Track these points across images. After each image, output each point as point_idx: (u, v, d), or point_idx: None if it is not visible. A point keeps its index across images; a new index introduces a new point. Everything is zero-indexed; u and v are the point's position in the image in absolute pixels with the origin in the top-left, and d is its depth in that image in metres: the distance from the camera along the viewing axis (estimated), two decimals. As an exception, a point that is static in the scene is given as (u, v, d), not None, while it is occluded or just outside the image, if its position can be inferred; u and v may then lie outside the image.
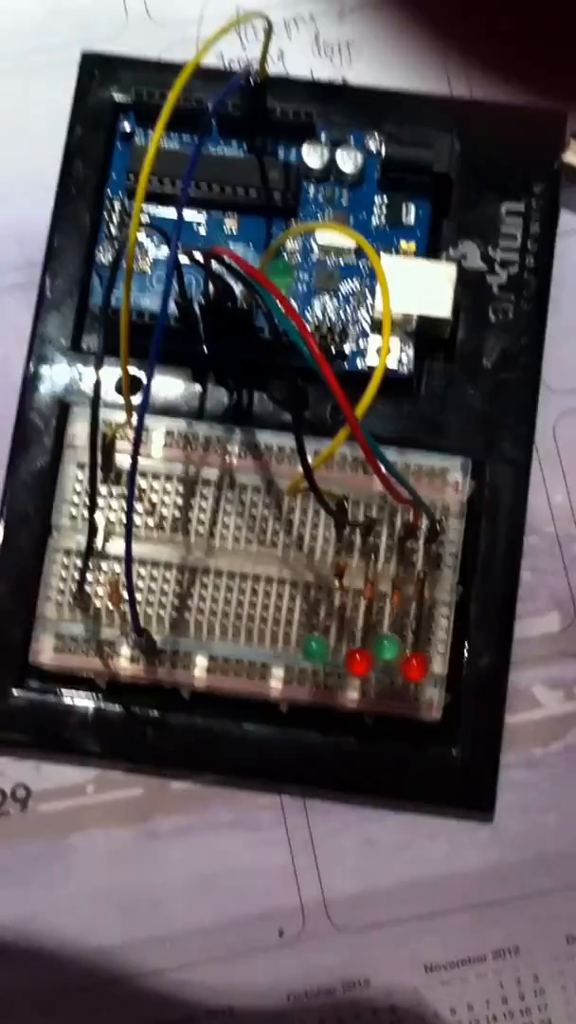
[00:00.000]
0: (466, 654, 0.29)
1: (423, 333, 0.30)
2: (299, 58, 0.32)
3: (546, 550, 0.30)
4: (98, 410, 0.27)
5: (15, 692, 0.29)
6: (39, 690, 0.29)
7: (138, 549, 0.28)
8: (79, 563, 0.28)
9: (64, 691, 0.29)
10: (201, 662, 0.28)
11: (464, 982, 0.28)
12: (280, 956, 0.28)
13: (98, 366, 0.27)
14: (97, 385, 0.26)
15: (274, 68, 0.32)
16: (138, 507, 0.29)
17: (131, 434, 0.27)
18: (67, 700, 0.29)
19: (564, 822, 0.28)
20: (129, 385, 0.28)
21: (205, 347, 0.30)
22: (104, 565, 0.29)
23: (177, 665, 0.28)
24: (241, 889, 0.28)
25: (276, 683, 0.28)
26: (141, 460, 0.28)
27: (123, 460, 0.29)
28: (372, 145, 0.31)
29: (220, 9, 0.32)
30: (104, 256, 0.30)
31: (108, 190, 0.31)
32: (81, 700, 0.29)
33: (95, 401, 0.26)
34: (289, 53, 0.32)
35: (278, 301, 0.25)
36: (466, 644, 0.29)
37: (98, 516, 0.29)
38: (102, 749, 0.29)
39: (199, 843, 0.28)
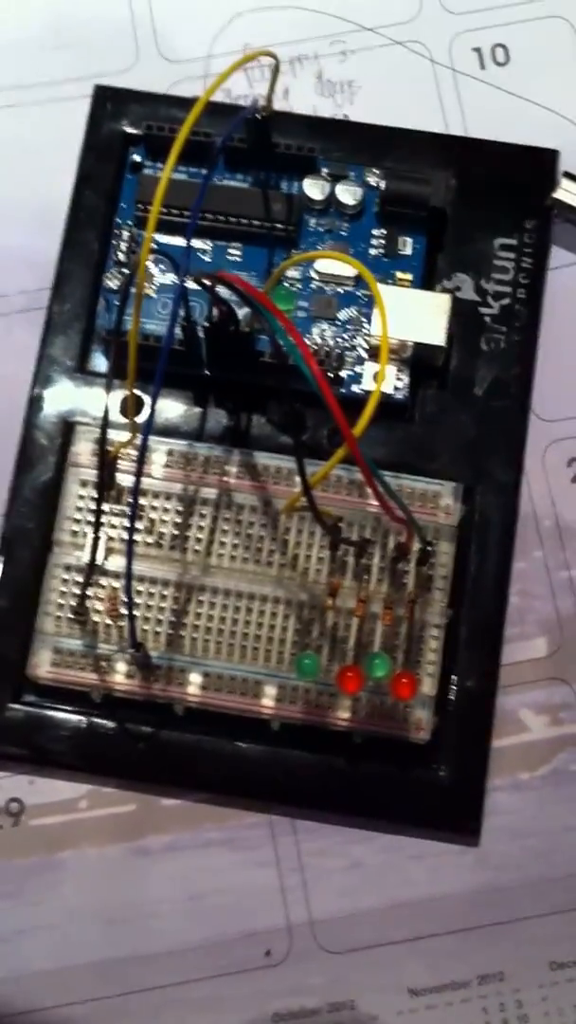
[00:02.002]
0: (454, 676, 0.25)
1: (418, 360, 0.27)
2: (303, 95, 0.29)
3: (534, 576, 0.26)
4: (105, 430, 0.23)
5: (11, 706, 0.26)
6: (35, 704, 0.26)
7: (136, 566, 0.26)
8: (79, 579, 0.25)
9: (60, 705, 0.26)
10: (195, 678, 0.25)
11: (449, 1006, 0.25)
12: (266, 976, 0.25)
13: (108, 388, 0.24)
14: (106, 407, 0.23)
15: (279, 104, 0.29)
16: (138, 525, 0.26)
17: (133, 453, 0.24)
18: (62, 714, 0.26)
19: (549, 847, 0.25)
20: (134, 406, 0.24)
21: (207, 370, 0.27)
22: (103, 581, 0.26)
23: (172, 681, 0.26)
24: (229, 908, 0.25)
25: (269, 700, 0.25)
26: (142, 479, 0.25)
27: (125, 479, 0.26)
28: (371, 180, 0.28)
29: (228, 47, 0.29)
30: (112, 281, 0.27)
31: (117, 219, 0.28)
32: (76, 715, 0.26)
33: (104, 422, 0.23)
34: (294, 90, 0.29)
35: (281, 322, 0.22)
36: (454, 667, 0.25)
37: (99, 533, 0.25)
38: (96, 764, 0.26)
39: (189, 861, 0.26)
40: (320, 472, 0.23)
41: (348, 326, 0.27)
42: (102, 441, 0.24)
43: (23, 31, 0.29)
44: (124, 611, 0.25)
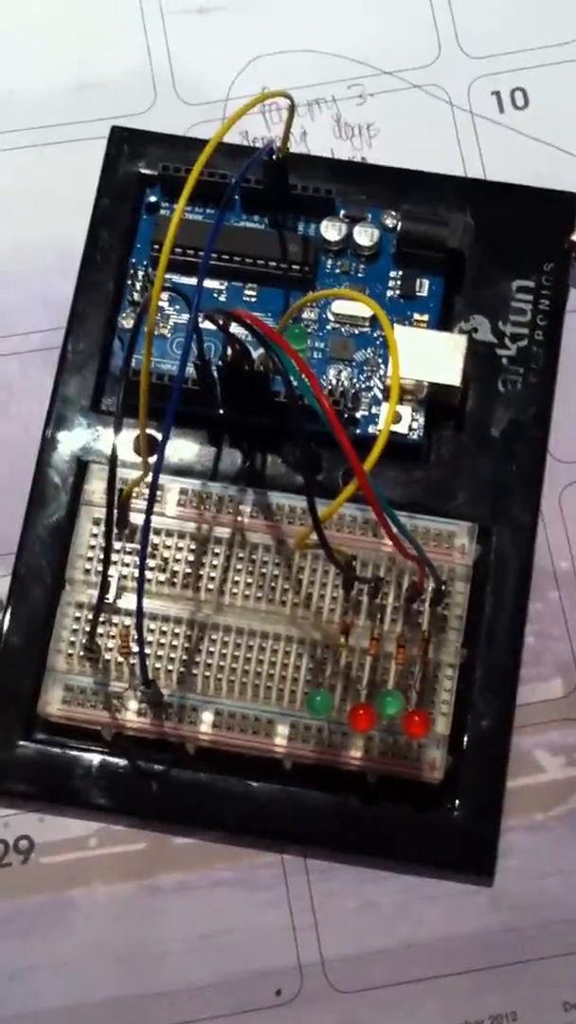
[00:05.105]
0: (469, 717, 0.30)
1: (434, 401, 0.31)
2: (321, 138, 0.35)
3: (550, 616, 0.31)
4: (114, 468, 0.28)
5: (22, 743, 0.30)
6: (46, 741, 0.30)
7: (149, 604, 0.30)
8: (90, 616, 0.30)
9: (71, 743, 0.30)
10: (207, 717, 0.30)
11: (461, 1047, 0.29)
12: (277, 1016, 0.29)
13: (117, 427, 0.28)
14: (114, 445, 0.28)
15: (297, 147, 0.34)
16: (151, 563, 0.30)
17: (146, 492, 0.29)
18: (73, 752, 0.30)
19: (564, 888, 0.30)
20: (146, 444, 0.29)
21: (221, 410, 0.32)
22: (115, 619, 0.30)
23: (183, 720, 0.30)
24: (240, 947, 0.29)
25: (281, 740, 0.30)
26: (155, 518, 0.30)
27: (137, 517, 0.31)
28: (389, 222, 0.33)
29: (246, 90, 0.34)
30: (127, 321, 0.32)
31: (133, 259, 0.33)
32: (87, 753, 0.30)
33: (112, 459, 0.28)
34: (312, 133, 0.34)
35: (293, 361, 0.27)
36: (469, 707, 0.30)
37: (111, 571, 0.30)
38: (106, 802, 0.30)
39: (200, 900, 0.30)
40: (330, 508, 0.27)
41: (364, 367, 0.32)
42: (111, 479, 0.28)
43: (42, 73, 0.35)
44: (136, 649, 0.30)
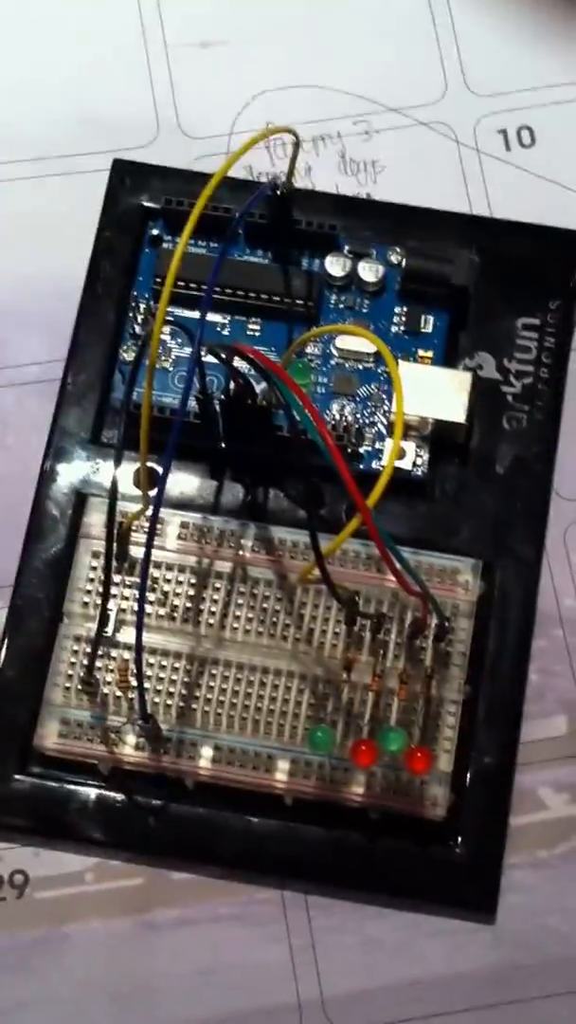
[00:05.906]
0: (472, 753, 0.33)
1: (439, 437, 0.35)
2: (326, 173, 0.38)
3: (555, 653, 0.35)
4: (114, 501, 0.31)
5: (18, 777, 0.33)
6: (42, 775, 0.33)
7: (148, 638, 0.33)
8: (88, 650, 0.33)
9: (67, 777, 0.33)
10: (206, 752, 0.33)
11: None
12: (275, 1054, 0.32)
13: (117, 459, 0.31)
14: (115, 477, 0.31)
15: (301, 182, 0.38)
16: (150, 597, 0.34)
17: (146, 525, 0.32)
18: (70, 786, 0.33)
19: (567, 925, 0.33)
20: (147, 477, 0.33)
21: (223, 444, 0.35)
22: (114, 653, 0.33)
23: (182, 754, 0.33)
24: (239, 984, 0.32)
25: (281, 775, 0.33)
26: (155, 551, 0.34)
27: (137, 551, 0.34)
28: (393, 258, 0.37)
29: (250, 124, 0.39)
30: (128, 354, 0.36)
31: (134, 291, 0.37)
32: (84, 787, 0.33)
33: (112, 492, 0.31)
34: (316, 168, 0.38)
35: (296, 396, 0.31)
36: (472, 743, 0.33)
37: (110, 604, 0.33)
38: (103, 837, 0.33)
39: (198, 936, 0.33)
40: (333, 543, 0.31)
41: (368, 403, 0.36)
42: (111, 512, 0.31)
43: (45, 105, 0.39)
44: (134, 683, 0.33)
